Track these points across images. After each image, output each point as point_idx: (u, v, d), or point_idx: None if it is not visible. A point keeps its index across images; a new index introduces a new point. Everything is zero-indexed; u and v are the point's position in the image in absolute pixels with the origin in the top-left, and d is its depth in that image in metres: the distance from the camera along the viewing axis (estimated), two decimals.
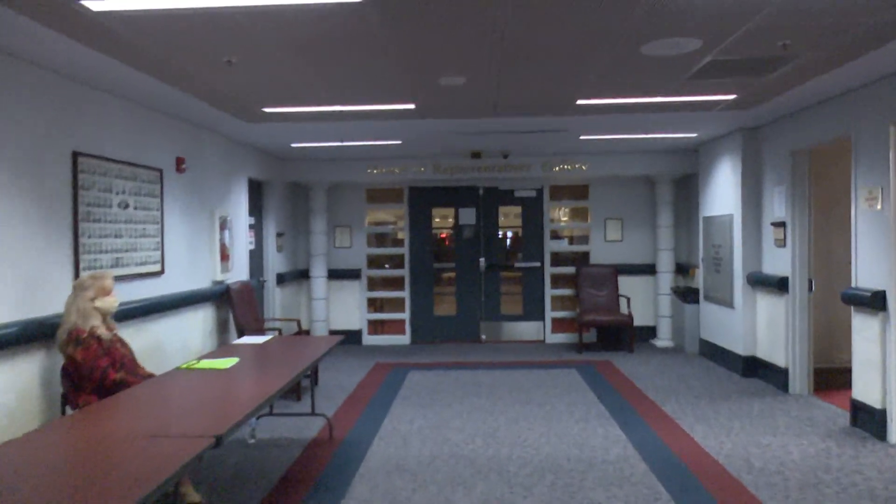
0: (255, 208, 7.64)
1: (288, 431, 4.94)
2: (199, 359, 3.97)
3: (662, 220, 8.26)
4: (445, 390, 6.13)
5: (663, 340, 8.27)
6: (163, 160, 5.16)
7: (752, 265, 6.37)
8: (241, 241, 6.83)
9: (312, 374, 6.40)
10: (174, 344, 5.25)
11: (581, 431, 4.81)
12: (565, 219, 9.13)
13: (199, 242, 5.79)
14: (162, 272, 5.08)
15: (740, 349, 6.46)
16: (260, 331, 6.09)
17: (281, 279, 7.93)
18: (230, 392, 3.31)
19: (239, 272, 6.62)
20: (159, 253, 5.05)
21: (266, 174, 7.69)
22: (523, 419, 5.14)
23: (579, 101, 5.05)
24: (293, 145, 7.04)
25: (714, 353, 7.14)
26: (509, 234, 9.08)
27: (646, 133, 6.63)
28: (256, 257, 7.60)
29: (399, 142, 6.93)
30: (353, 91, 4.62)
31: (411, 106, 5.10)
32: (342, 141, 6.80)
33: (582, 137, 6.83)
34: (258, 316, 6.31)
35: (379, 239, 9.15)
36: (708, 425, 4.90)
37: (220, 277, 6.06)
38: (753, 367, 6.39)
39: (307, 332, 8.58)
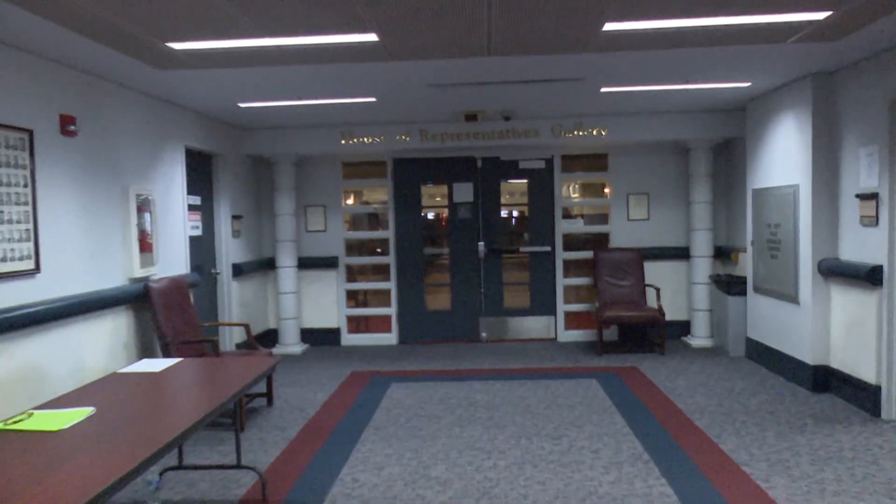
0: (203, 186, 6.26)
1: (209, 488, 3.60)
2: (33, 410, 2.62)
3: (698, 195, 6.83)
4: (432, 414, 4.78)
5: (699, 339, 6.89)
6: (34, 118, 3.78)
7: (825, 250, 4.96)
8: (176, 226, 5.46)
9: (267, 390, 5.08)
10: (63, 367, 3.91)
11: (612, 486, 3.45)
12: (576, 196, 7.69)
13: (105, 229, 4.42)
14: (36, 270, 3.72)
15: (808, 356, 5.07)
16: (195, 341, 4.74)
17: (238, 271, 6.58)
18: (29, 489, 1.95)
19: (170, 265, 5.26)
20: (30, 245, 3.69)
21: (215, 145, 6.29)
22: (531, 463, 3.79)
23: (607, 27, 3.62)
24: (241, 105, 5.64)
25: (767, 358, 5.76)
26: (514, 213, 7.67)
27: (685, 83, 5.18)
28: (205, 246, 6.24)
29: (373, 99, 5.51)
30: (284, 16, 3.22)
31: (373, 37, 3.69)
32: (299, 98, 5.39)
33: (603, 90, 5.39)
34: (193, 322, 4.97)
35: (359, 221, 7.77)
36: (788, 475, 3.53)
37: (139, 273, 4.71)
38: (826, 380, 5.01)
39: (269, 338, 7.26)
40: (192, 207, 5.95)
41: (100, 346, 4.28)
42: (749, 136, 6.08)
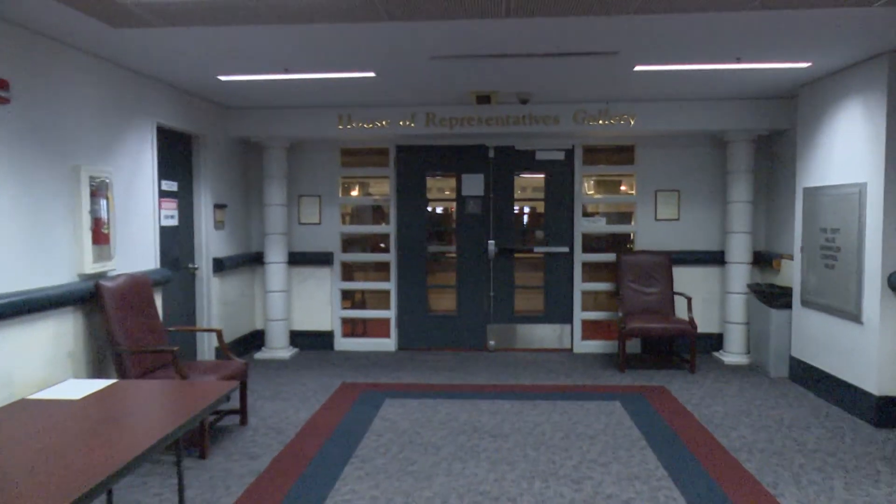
0: (181, 171, 5.58)
1: None
2: None
3: (736, 194, 6.07)
4: (429, 442, 4.08)
5: (733, 355, 6.14)
6: None
7: None
8: (144, 214, 4.78)
9: (241, 405, 4.40)
10: None
11: None
12: (591, 192, 6.95)
13: (49, 216, 3.74)
14: None
15: (872, 386, 4.33)
16: (154, 350, 4.06)
17: (220, 266, 5.89)
18: None
19: (134, 260, 4.58)
20: None
21: (196, 124, 5.60)
22: None
23: None
24: (222, 79, 4.93)
25: (818, 383, 5.01)
26: (528, 209, 6.95)
27: (735, 61, 4.43)
28: (182, 238, 5.56)
29: (371, 73, 4.79)
30: None
31: None
32: (287, 71, 4.68)
33: (638, 68, 4.65)
34: (156, 326, 4.28)
35: (357, 214, 7.07)
36: None
37: (92, 269, 4.02)
38: (894, 415, 4.27)
39: (255, 341, 6.58)
40: (166, 194, 5.27)
41: (36, 357, 3.59)
42: (801, 127, 5.32)
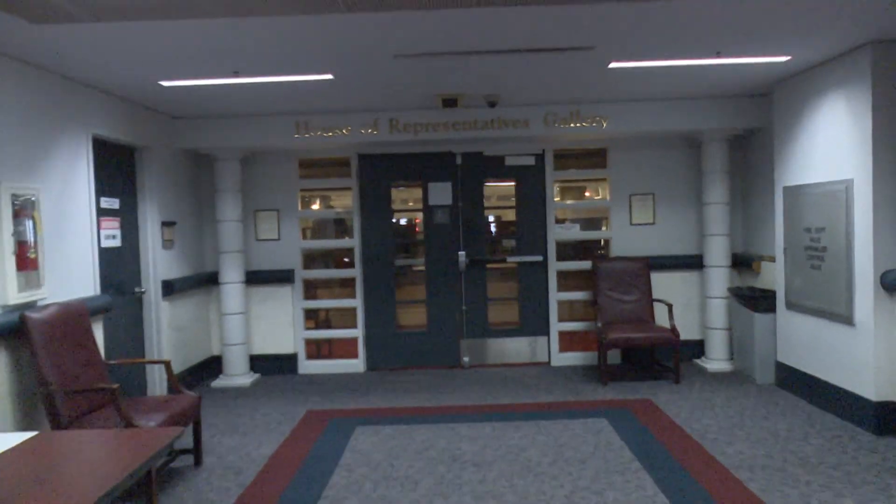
0: (123, 187, 5.11)
1: None
2: None
3: (712, 195, 5.88)
4: (406, 476, 3.71)
5: (716, 362, 5.93)
6: None
7: (889, 260, 4.03)
8: (80, 235, 4.31)
9: (194, 443, 3.96)
10: None
11: None
12: (563, 199, 6.70)
13: None
14: None
15: (870, 391, 4.13)
16: (89, 389, 3.59)
17: (169, 289, 5.42)
18: None
19: (69, 286, 4.10)
20: None
21: (138, 136, 5.15)
22: None
23: None
24: (164, 84, 4.51)
25: (808, 389, 4.82)
26: (498, 217, 6.65)
27: (715, 56, 4.22)
28: (126, 260, 5.09)
29: (329, 76, 4.43)
30: None
31: None
32: (236, 74, 4.29)
33: (613, 65, 4.40)
34: (94, 361, 3.81)
35: (319, 228, 6.68)
36: None
37: (17, 299, 3.55)
38: (894, 421, 4.07)
39: (212, 368, 6.11)
40: (106, 212, 4.81)
41: None
42: (778, 125, 5.15)
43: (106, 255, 4.75)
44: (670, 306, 5.74)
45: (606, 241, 6.41)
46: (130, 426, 3.32)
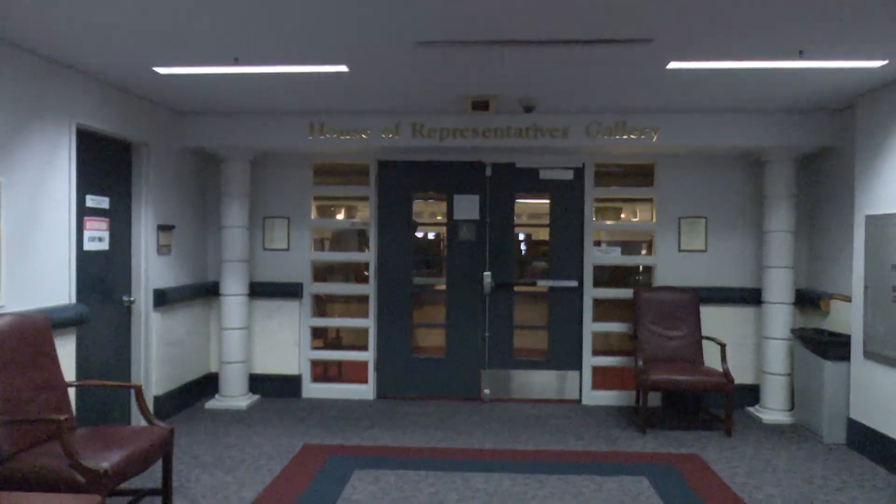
0: (116, 185, 4.64)
1: None
2: None
3: (775, 222, 5.17)
4: None
5: (772, 412, 5.18)
6: None
7: None
8: (56, 235, 3.81)
9: (163, 484, 3.40)
10: None
11: None
12: (606, 219, 6.03)
13: None
14: None
15: None
16: (37, 419, 3.06)
17: (162, 299, 4.91)
18: None
19: (37, 294, 3.60)
20: None
21: (137, 130, 4.67)
22: None
23: None
24: (159, 71, 4.01)
25: (887, 454, 4.06)
26: (530, 236, 6.02)
27: (797, 58, 3.55)
28: (115, 265, 4.60)
29: (343, 67, 3.89)
30: None
31: None
32: (237, 61, 3.77)
33: (672, 66, 3.76)
34: (54, 383, 3.28)
35: (333, 239, 6.13)
36: None
37: None
38: None
39: (208, 386, 5.57)
40: (92, 212, 4.33)
41: None
42: (861, 143, 4.44)
43: (89, 258, 4.27)
44: (723, 346, 5.02)
45: (649, 269, 5.72)
46: (77, 466, 2.77)
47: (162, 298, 4.92)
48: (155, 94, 4.69)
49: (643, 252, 5.88)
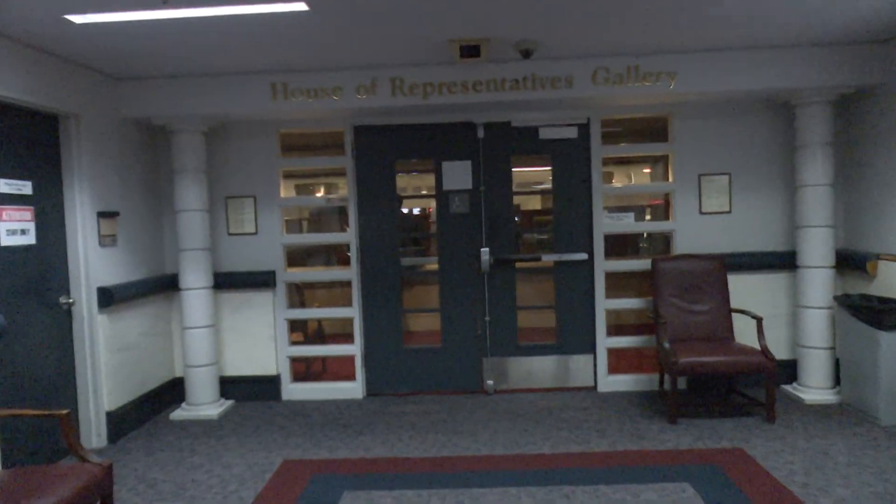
0: (42, 166, 3.88)
1: None
2: None
3: (810, 175, 4.53)
4: None
5: (815, 391, 4.59)
6: None
7: None
8: None
9: None
10: None
11: None
12: (618, 180, 5.36)
13: None
14: None
15: None
16: None
17: (107, 298, 4.19)
18: None
19: None
20: None
21: (64, 99, 3.90)
22: None
23: None
24: (73, 20, 3.25)
25: None
26: (531, 204, 5.34)
27: None
28: (45, 261, 3.86)
29: (302, 5, 3.14)
30: None
31: None
32: (165, 3, 3.01)
33: None
34: None
35: (307, 218, 5.40)
36: None
37: None
38: None
39: (174, 393, 4.88)
40: (11, 199, 3.58)
41: None
42: None
43: (8, 255, 3.53)
44: (759, 320, 4.39)
45: (669, 235, 5.08)
46: None
47: (108, 297, 4.19)
48: (83, 56, 3.91)
49: (648, 217, 5.22)
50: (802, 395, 4.58)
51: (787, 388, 4.77)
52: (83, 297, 4.10)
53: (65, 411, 2.80)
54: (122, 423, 4.35)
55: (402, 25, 3.54)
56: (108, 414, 4.22)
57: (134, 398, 4.52)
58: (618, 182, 6.15)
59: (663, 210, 5.27)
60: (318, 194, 6.41)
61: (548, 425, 4.27)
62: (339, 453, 3.94)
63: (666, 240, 5.14)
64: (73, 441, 2.78)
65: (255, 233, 5.07)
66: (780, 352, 4.85)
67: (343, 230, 5.29)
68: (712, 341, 4.49)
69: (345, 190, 5.14)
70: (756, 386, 4.82)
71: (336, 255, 6.16)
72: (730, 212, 4.91)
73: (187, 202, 4.71)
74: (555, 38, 3.92)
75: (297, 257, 5.34)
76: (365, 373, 5.12)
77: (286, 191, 5.23)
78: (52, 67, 3.83)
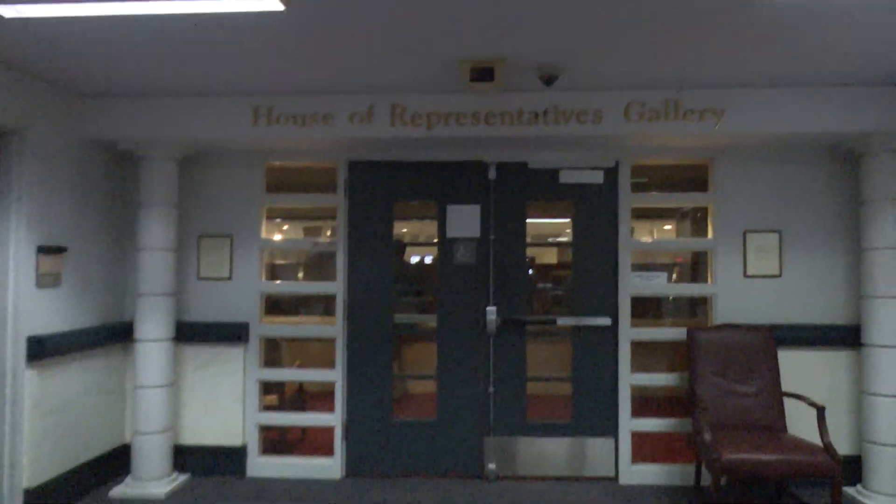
0: None
1: None
2: None
3: (880, 236, 3.83)
4: None
5: (884, 498, 3.77)
6: None
7: None
8: None
9: None
10: None
11: None
12: (646, 235, 4.68)
13: None
14: None
15: None
16: None
17: (39, 350, 3.50)
18: None
19: None
20: None
21: (9, 113, 3.32)
22: None
23: None
24: (2, 13, 2.67)
25: None
26: (547, 259, 4.66)
27: None
28: None
29: (278, 4, 2.55)
30: None
31: None
32: None
33: None
34: None
35: (289, 264, 4.74)
36: None
37: None
38: None
39: (119, 463, 4.12)
40: None
41: None
42: None
43: None
44: (821, 409, 3.61)
45: (706, 300, 4.36)
46: None
47: (39, 348, 3.51)
48: (31, 63, 3.34)
49: (673, 278, 4.52)
50: (868, 502, 3.76)
51: (850, 490, 3.96)
52: (7, 348, 3.42)
53: None
54: (45, 503, 3.60)
55: (401, 36, 2.95)
56: (27, 492, 3.47)
57: (65, 471, 3.77)
58: (647, 237, 5.48)
59: (689, 269, 4.57)
60: (309, 236, 5.77)
61: None
62: None
63: (692, 303, 4.42)
64: None
65: (229, 277, 4.41)
66: (840, 446, 4.05)
67: (322, 279, 4.60)
68: (761, 431, 3.71)
69: (313, 225, 4.50)
70: (813, 485, 4.01)
71: (324, 308, 5.48)
72: (780, 275, 4.20)
73: (151, 239, 4.07)
74: (583, 62, 3.31)
75: (272, 309, 4.70)
76: (345, 448, 4.36)
77: (269, 232, 4.59)
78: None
